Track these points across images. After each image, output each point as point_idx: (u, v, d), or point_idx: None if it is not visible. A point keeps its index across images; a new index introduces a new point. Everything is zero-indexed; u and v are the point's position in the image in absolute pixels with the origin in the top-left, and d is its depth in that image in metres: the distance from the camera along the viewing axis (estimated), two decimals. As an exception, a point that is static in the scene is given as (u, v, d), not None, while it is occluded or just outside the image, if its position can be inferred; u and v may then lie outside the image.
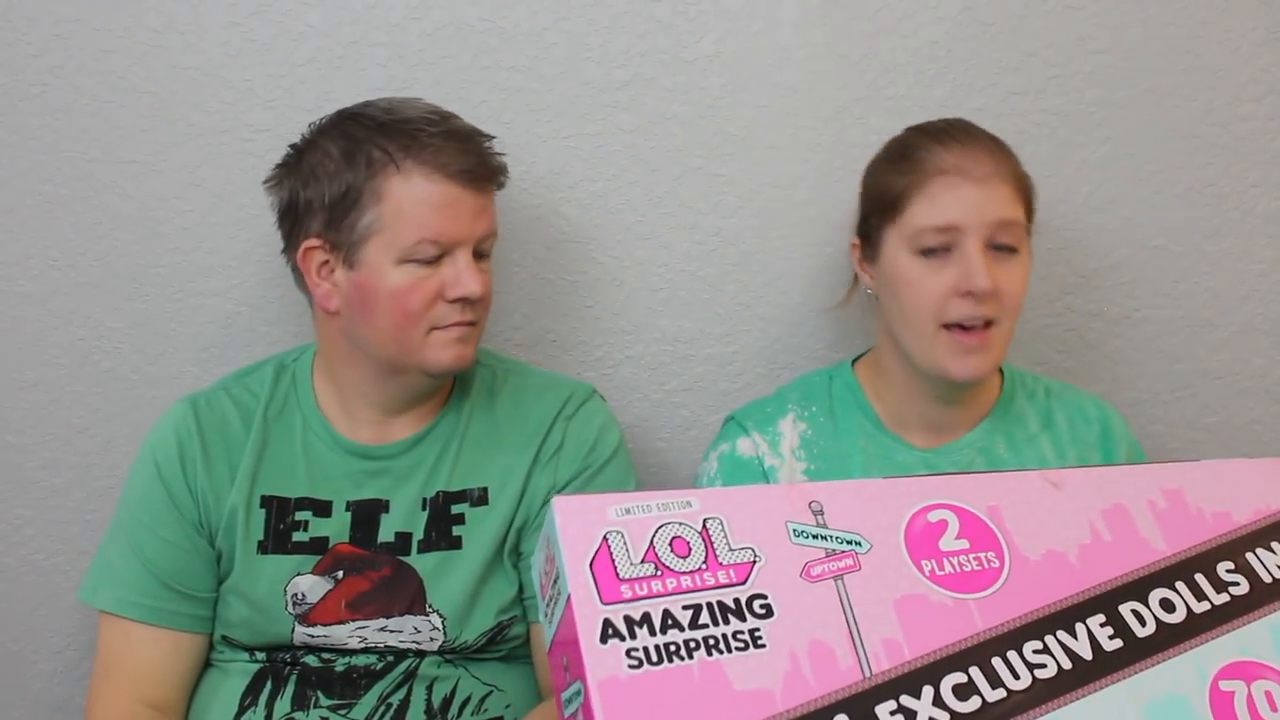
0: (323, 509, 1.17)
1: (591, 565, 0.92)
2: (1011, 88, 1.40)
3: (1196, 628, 0.98)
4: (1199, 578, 1.00)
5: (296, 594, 1.14)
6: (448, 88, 1.34)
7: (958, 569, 0.97)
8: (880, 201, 1.20)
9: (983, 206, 1.14)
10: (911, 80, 1.39)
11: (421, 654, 1.16)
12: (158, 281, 1.35)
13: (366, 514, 1.17)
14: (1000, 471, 1.04)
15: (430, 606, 1.16)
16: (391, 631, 1.15)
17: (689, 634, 0.91)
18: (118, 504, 1.18)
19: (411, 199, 1.10)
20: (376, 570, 1.16)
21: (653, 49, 1.37)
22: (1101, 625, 0.97)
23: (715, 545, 0.94)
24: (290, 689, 1.10)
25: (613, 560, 0.92)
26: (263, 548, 1.15)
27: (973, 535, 0.98)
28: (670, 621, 0.91)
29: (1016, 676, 0.94)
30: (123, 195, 1.34)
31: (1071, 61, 1.40)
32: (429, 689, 1.14)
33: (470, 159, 1.13)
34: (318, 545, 1.16)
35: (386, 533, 1.17)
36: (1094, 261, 1.43)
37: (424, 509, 1.18)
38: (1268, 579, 1.00)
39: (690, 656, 0.90)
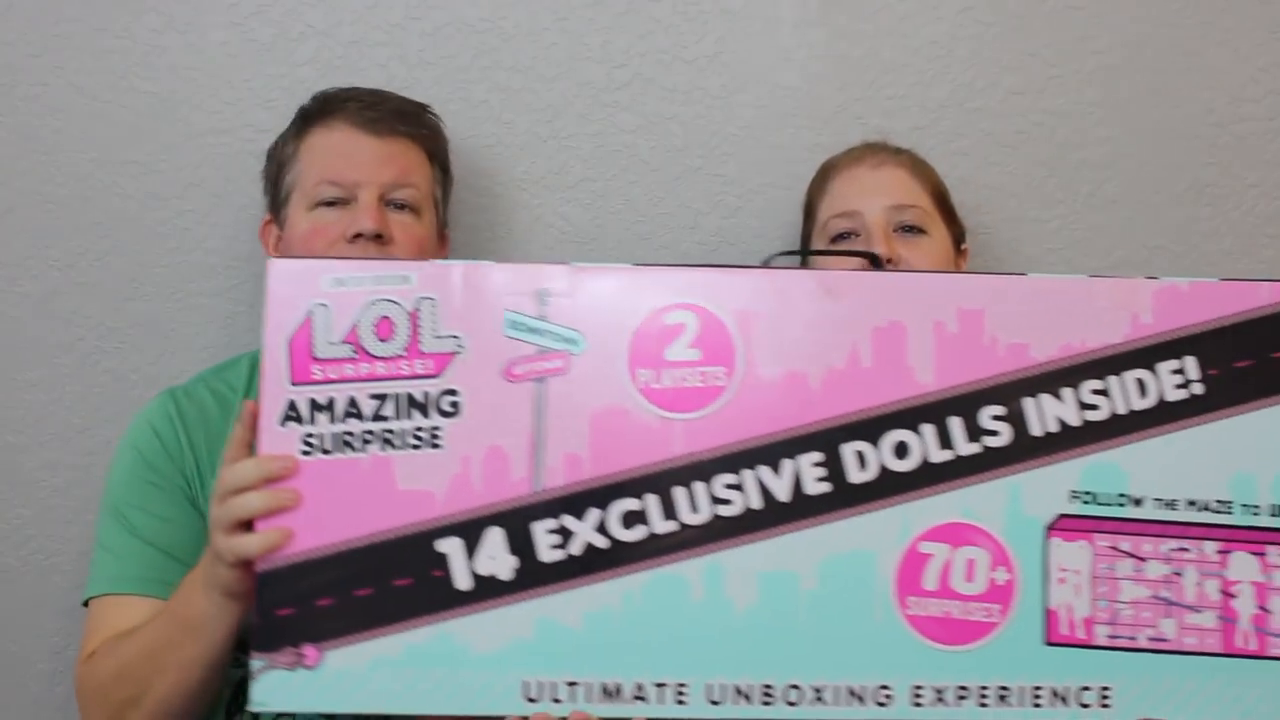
0: None
1: (290, 341, 0.88)
2: (1011, 88, 1.40)
3: (924, 479, 0.90)
4: (953, 422, 0.90)
5: None
6: (448, 88, 1.34)
7: (676, 384, 0.89)
8: (805, 215, 1.26)
9: (877, 189, 1.18)
10: (911, 80, 1.39)
11: None
12: (158, 281, 1.34)
13: None
14: (778, 270, 0.95)
15: None
16: None
17: (368, 425, 0.88)
18: (100, 507, 1.16)
19: (314, 148, 1.16)
20: None
21: (653, 49, 1.37)
22: (815, 465, 0.89)
23: (421, 330, 0.89)
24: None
25: (312, 337, 0.88)
26: None
27: (708, 345, 0.90)
28: (353, 410, 0.88)
29: (695, 510, 0.89)
30: (123, 195, 1.33)
31: (1071, 61, 1.40)
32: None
33: (373, 111, 1.17)
34: None
35: None
36: (1094, 261, 1.43)
37: None
38: (1037, 432, 0.91)
39: (363, 449, 0.88)
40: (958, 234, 1.22)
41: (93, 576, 1.13)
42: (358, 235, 1.12)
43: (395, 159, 1.17)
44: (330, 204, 1.14)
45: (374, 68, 1.33)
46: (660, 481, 0.89)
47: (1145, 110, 1.40)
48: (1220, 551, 0.91)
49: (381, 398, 0.88)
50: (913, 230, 1.17)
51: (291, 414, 0.88)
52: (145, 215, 1.33)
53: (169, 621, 1.00)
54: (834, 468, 0.89)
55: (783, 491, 0.89)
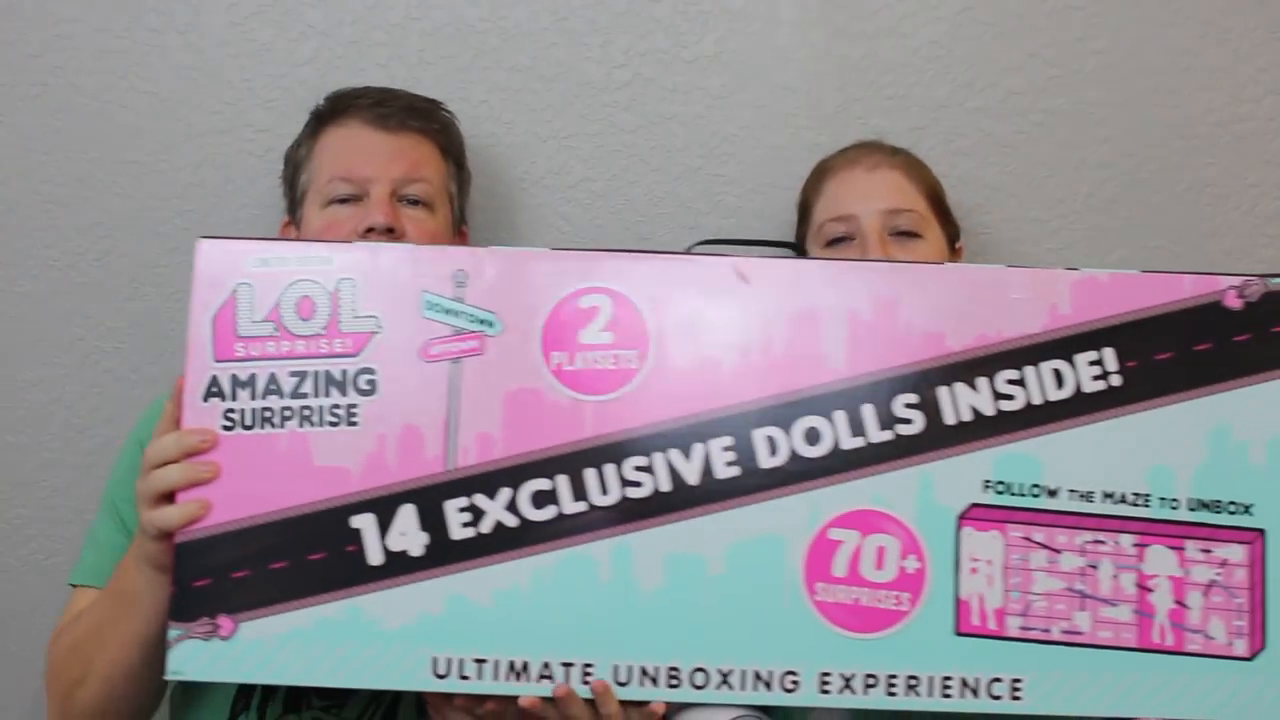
0: None
1: (215, 318, 0.90)
2: (1011, 88, 1.39)
3: (835, 466, 0.90)
4: (865, 409, 0.90)
5: None
6: (448, 88, 1.34)
7: (589, 365, 0.90)
8: (799, 215, 1.25)
9: (872, 193, 1.17)
10: (911, 80, 1.39)
11: None
12: (158, 281, 1.35)
13: None
14: (694, 255, 0.95)
15: None
16: None
17: (287, 401, 0.90)
18: (101, 500, 1.16)
19: (327, 147, 1.17)
20: None
21: (653, 49, 1.37)
22: (725, 449, 0.90)
23: (341, 310, 0.91)
24: (283, 691, 1.10)
25: (236, 315, 0.90)
26: None
27: (621, 329, 0.90)
28: (273, 387, 0.90)
29: (605, 492, 0.89)
30: (123, 195, 1.34)
31: (1071, 61, 1.39)
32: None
33: (383, 108, 1.18)
34: None
35: None
36: (1094, 261, 1.43)
37: None
38: (951, 421, 0.90)
39: (282, 425, 0.90)
40: (952, 234, 1.22)
41: (78, 564, 1.15)
42: (369, 230, 1.13)
43: (406, 154, 1.17)
44: (343, 201, 1.15)
45: (374, 68, 1.34)
46: (571, 462, 0.89)
47: (1145, 110, 1.40)
48: (1137, 545, 0.90)
49: (301, 375, 0.90)
50: (908, 235, 1.16)
51: (214, 389, 0.90)
52: (145, 215, 1.34)
53: (109, 598, 1.02)
54: (744, 452, 0.90)
55: (692, 475, 0.89)
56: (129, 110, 1.33)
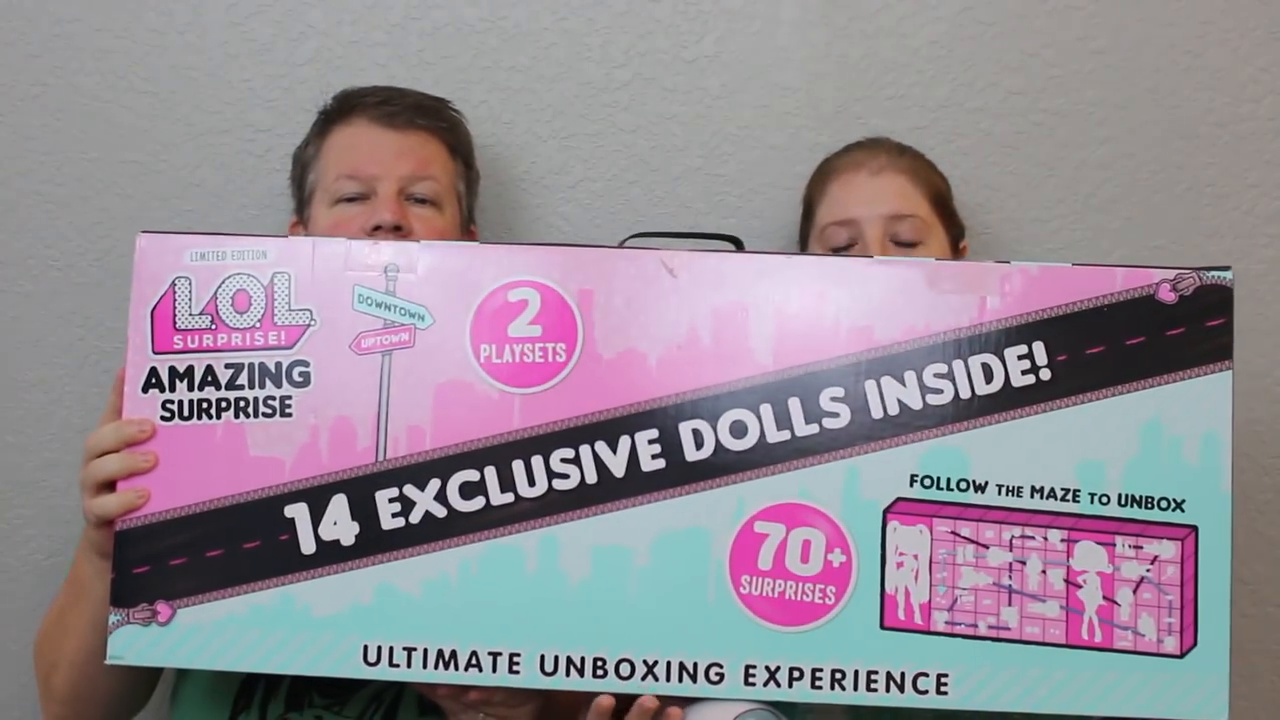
0: None
1: (153, 311, 0.92)
2: (1011, 88, 1.39)
3: (760, 459, 0.90)
4: (792, 403, 0.90)
5: None
6: (448, 88, 1.34)
7: (517, 359, 0.91)
8: (803, 212, 1.25)
9: (875, 199, 1.16)
10: (911, 80, 1.39)
11: None
12: (158, 282, 1.35)
13: None
14: (617, 248, 0.95)
15: None
16: None
17: (223, 393, 0.92)
18: None
19: (334, 146, 1.18)
20: None
21: (653, 49, 1.37)
22: (650, 442, 0.90)
23: (276, 303, 0.92)
24: (285, 689, 1.10)
25: (174, 308, 0.92)
26: None
27: (549, 322, 0.91)
28: (210, 378, 0.92)
29: (532, 483, 0.90)
30: (123, 195, 1.34)
31: (1071, 61, 1.39)
32: (419, 684, 1.14)
33: (390, 106, 1.18)
34: None
35: None
36: (1095, 261, 1.43)
37: None
38: (878, 414, 0.90)
39: (218, 416, 0.92)
40: (956, 235, 1.22)
41: (75, 556, 1.14)
42: (377, 228, 1.14)
43: (413, 152, 1.18)
44: (351, 200, 1.16)
45: (374, 68, 1.34)
46: (498, 454, 0.90)
47: (1145, 110, 1.40)
48: (1066, 540, 0.90)
49: (237, 367, 0.92)
50: (909, 244, 1.16)
51: (153, 381, 0.92)
52: (145, 215, 1.34)
53: (67, 587, 1.07)
54: (670, 445, 0.90)
55: (618, 467, 0.90)
56: (129, 110, 1.34)
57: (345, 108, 1.20)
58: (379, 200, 1.14)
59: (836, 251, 1.17)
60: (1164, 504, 0.90)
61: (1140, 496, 0.90)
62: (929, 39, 1.38)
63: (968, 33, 1.38)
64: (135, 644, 0.92)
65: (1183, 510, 0.90)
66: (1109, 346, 0.90)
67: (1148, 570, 0.90)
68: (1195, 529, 0.90)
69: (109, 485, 0.94)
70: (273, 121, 1.34)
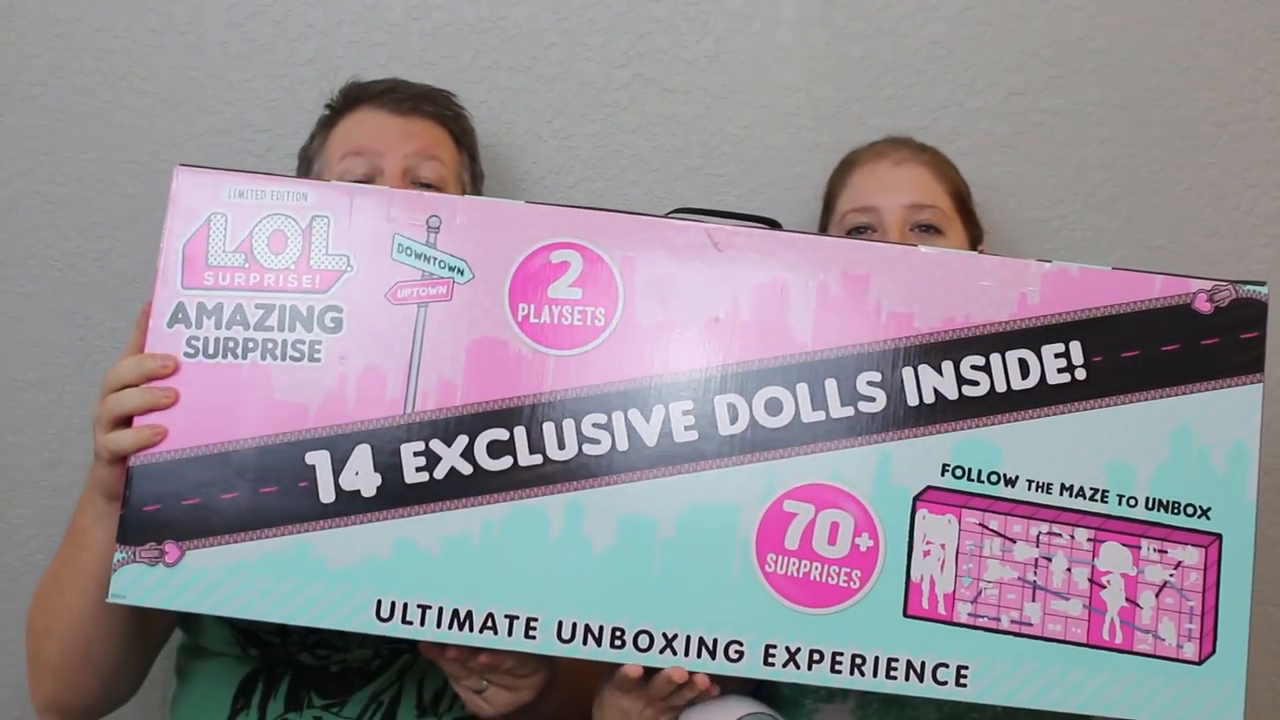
0: None
1: (186, 246, 0.91)
2: (1011, 88, 1.40)
3: (793, 438, 0.89)
4: (829, 384, 0.90)
5: None
6: (448, 88, 1.34)
7: (555, 320, 0.90)
8: (824, 205, 1.26)
9: (896, 187, 1.17)
10: (911, 80, 1.39)
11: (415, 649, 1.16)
12: (158, 282, 1.35)
13: None
14: (664, 218, 0.95)
15: None
16: None
17: (250, 333, 0.90)
18: None
19: (339, 135, 1.17)
20: None
21: (653, 49, 1.37)
22: (684, 413, 0.89)
23: (313, 246, 0.91)
24: (284, 689, 1.10)
25: (208, 244, 0.91)
26: None
27: (591, 285, 0.90)
28: (239, 317, 0.90)
29: (562, 446, 0.89)
30: (123, 195, 1.34)
31: (1071, 61, 1.40)
32: (420, 684, 1.14)
33: (396, 94, 1.18)
34: None
35: None
36: (1094, 261, 1.43)
37: None
38: (913, 402, 0.90)
39: (244, 356, 0.90)
40: (975, 236, 1.22)
41: (78, 505, 1.14)
42: None
43: (419, 134, 1.18)
44: (357, 182, 1.14)
45: (374, 68, 1.34)
46: (530, 414, 0.89)
47: (1145, 110, 1.40)
48: (1092, 540, 0.90)
49: (268, 308, 0.90)
50: (929, 230, 1.16)
51: (179, 315, 0.90)
52: (145, 215, 1.34)
53: (65, 542, 1.02)
54: (704, 417, 0.89)
55: (650, 436, 0.89)
56: (129, 110, 1.33)
57: (350, 100, 1.20)
58: (385, 179, 1.14)
59: (853, 234, 1.18)
60: (1190, 510, 0.90)
61: (1167, 501, 0.90)
62: (929, 39, 1.38)
63: (968, 33, 1.38)
64: (139, 584, 0.89)
65: (1208, 518, 0.90)
66: (1144, 351, 0.91)
67: (1171, 575, 0.90)
68: (1219, 537, 0.90)
69: (126, 421, 0.91)
70: (273, 121, 1.34)
